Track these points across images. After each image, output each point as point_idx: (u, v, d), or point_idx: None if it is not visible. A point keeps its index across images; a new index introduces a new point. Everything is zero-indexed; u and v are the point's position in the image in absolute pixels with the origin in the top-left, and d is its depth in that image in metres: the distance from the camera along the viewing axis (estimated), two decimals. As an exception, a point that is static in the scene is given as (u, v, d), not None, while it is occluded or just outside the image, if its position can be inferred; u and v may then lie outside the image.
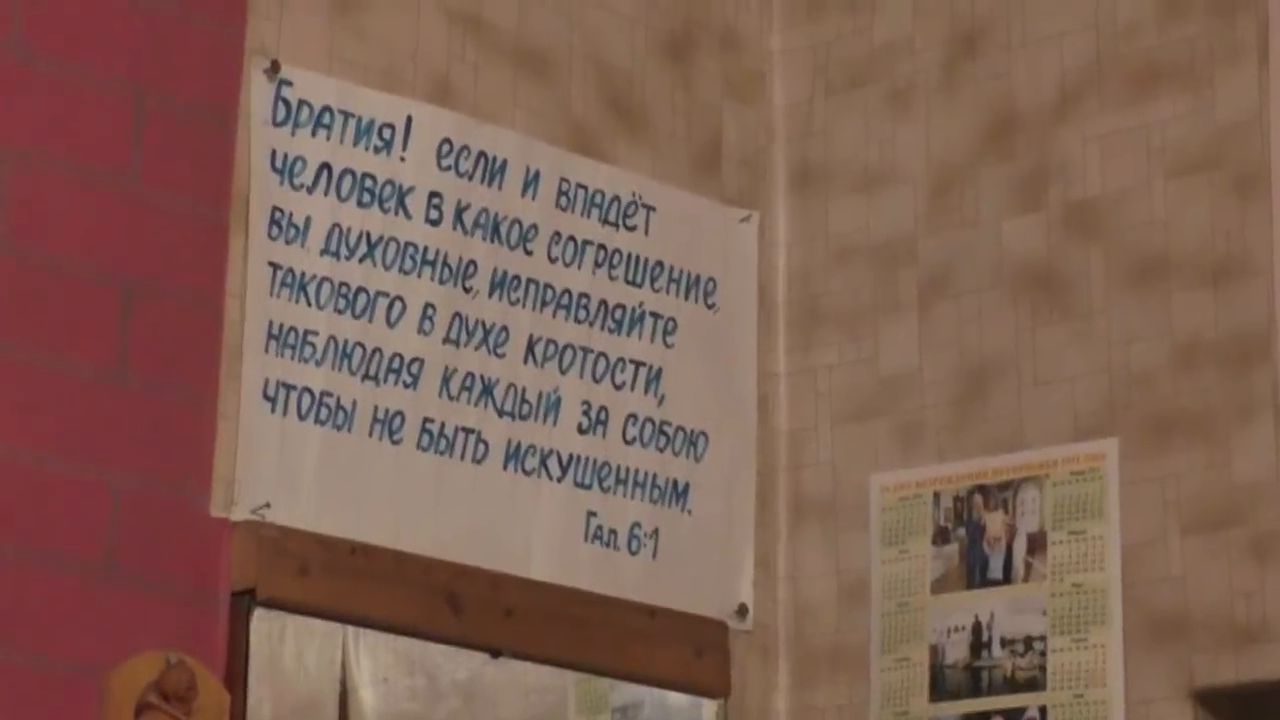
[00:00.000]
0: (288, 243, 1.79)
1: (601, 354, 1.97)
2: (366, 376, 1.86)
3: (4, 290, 2.00)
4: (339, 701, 2.09)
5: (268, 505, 1.92)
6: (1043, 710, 2.16)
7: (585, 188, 1.98)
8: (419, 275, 1.85)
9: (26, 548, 1.97)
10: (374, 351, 1.82)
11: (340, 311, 1.81)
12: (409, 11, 2.03)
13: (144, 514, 2.01)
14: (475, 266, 1.87)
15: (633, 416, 1.98)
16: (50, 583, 1.98)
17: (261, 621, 1.98)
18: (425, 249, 1.85)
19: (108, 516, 2.01)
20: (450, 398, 1.87)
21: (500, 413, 1.87)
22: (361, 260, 1.82)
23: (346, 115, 1.81)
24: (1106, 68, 2.13)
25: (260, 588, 1.92)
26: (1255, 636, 2.02)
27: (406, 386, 1.90)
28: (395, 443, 1.88)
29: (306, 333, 1.80)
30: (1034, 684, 2.14)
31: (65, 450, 2.00)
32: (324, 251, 1.80)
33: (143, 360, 1.89)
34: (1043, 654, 2.12)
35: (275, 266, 1.77)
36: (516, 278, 1.88)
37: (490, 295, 1.87)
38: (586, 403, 1.95)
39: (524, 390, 1.89)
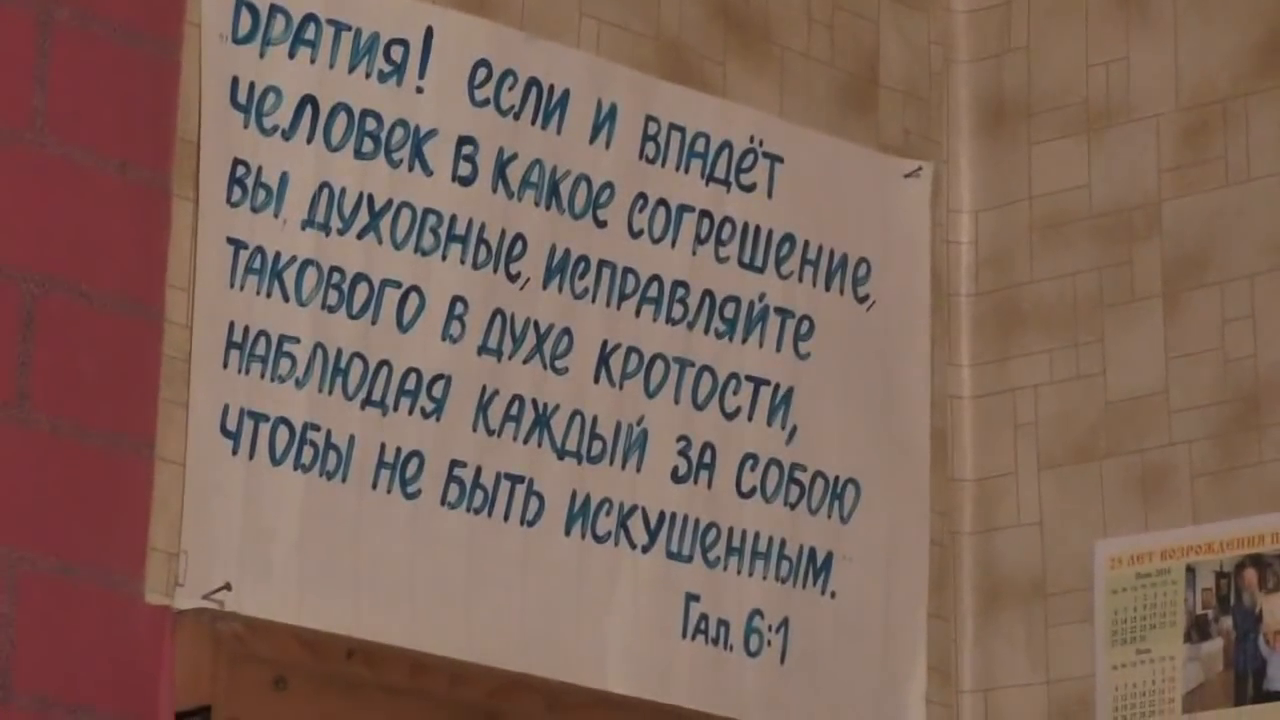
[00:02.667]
0: (255, 211, 1.15)
1: (706, 368, 1.29)
2: (369, 402, 1.22)
3: None
4: None
5: (227, 588, 1.28)
6: None
7: (683, 130, 1.29)
8: (444, 257, 1.20)
9: None
10: (379, 367, 1.19)
11: (331, 309, 1.17)
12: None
13: (50, 603, 1.40)
14: (524, 244, 1.21)
15: (752, 458, 1.30)
16: None
17: None
18: (453, 219, 1.21)
19: (34, 604, 1.39)
20: (490, 432, 1.22)
21: (561, 453, 1.22)
22: (361, 236, 1.18)
23: (339, 28, 1.18)
24: None
25: (218, 708, 1.31)
26: None
27: (426, 417, 1.23)
28: (410, 497, 1.23)
29: (283, 340, 1.16)
30: None
31: None
32: (307, 223, 1.16)
33: (50, 386, 1.27)
34: None
35: (238, 245, 1.14)
36: (584, 259, 1.22)
37: (546, 285, 1.22)
38: (685, 439, 1.27)
39: (595, 421, 1.24)
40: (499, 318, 1.23)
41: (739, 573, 1.33)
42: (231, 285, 1.15)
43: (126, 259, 1.33)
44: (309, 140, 1.19)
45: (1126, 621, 1.36)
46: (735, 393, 1.34)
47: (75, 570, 1.35)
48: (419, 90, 1.22)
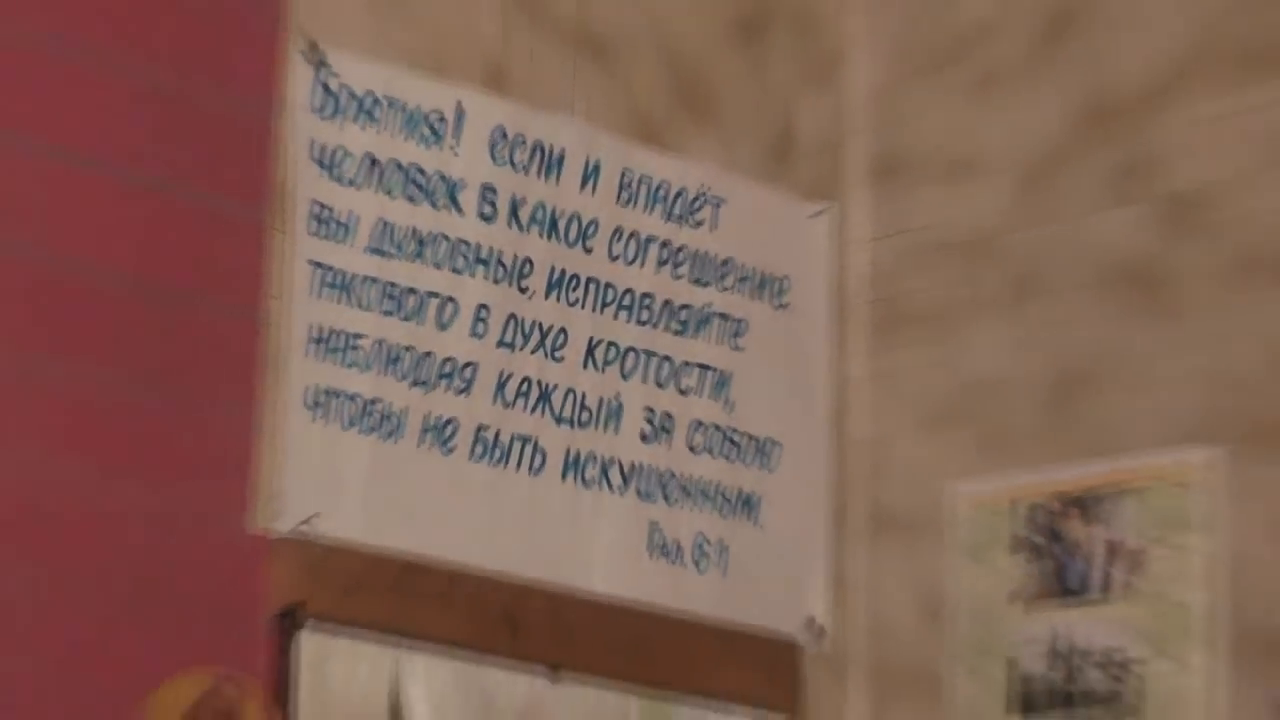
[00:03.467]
0: (331, 241, 1.46)
1: (666, 358, 1.65)
2: (416, 382, 1.55)
3: (29, 299, 1.67)
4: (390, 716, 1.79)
5: (313, 518, 1.61)
6: None
7: (649, 180, 1.64)
8: (472, 275, 1.53)
9: (60, 571, 1.69)
10: (425, 356, 1.50)
11: (388, 313, 1.49)
12: (460, -11, 1.64)
13: (182, 531, 1.71)
14: (531, 265, 1.55)
15: (699, 424, 1.66)
16: (86, 607, 1.70)
17: (307, 642, 1.68)
18: (478, 246, 1.52)
19: (144, 535, 1.67)
20: (506, 404, 1.55)
21: (558, 420, 1.56)
22: (411, 260, 1.49)
23: (392, 103, 1.48)
24: (1212, 47, 1.75)
25: (305, 606, 1.63)
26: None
27: (459, 393, 1.58)
28: (448, 452, 1.57)
29: (352, 336, 1.48)
30: (1121, 705, 1.79)
31: (98, 468, 1.70)
32: (370, 250, 1.47)
33: (177, 370, 1.58)
34: (1132, 674, 1.77)
35: (318, 266, 1.44)
36: (575, 277, 1.56)
37: (547, 296, 1.55)
38: (650, 409, 1.63)
39: (583, 396, 1.57)
40: (512, 320, 1.56)
41: (691, 509, 1.68)
42: (313, 295, 1.47)
43: (239, 276, 1.65)
44: (372, 188, 1.50)
45: (977, 545, 1.72)
46: (688, 376, 1.67)
47: (200, 505, 1.66)
48: (454, 151, 1.53)
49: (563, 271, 1.59)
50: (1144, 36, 1.80)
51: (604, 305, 1.65)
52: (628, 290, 1.65)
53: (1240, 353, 1.71)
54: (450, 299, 1.55)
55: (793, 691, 1.85)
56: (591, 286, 1.62)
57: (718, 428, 1.74)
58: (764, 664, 1.76)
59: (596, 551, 1.66)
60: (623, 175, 1.63)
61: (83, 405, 1.59)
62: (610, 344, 1.66)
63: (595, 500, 1.69)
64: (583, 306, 1.63)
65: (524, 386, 1.61)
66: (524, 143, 1.59)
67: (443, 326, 1.56)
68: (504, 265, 1.57)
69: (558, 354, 1.63)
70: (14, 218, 1.61)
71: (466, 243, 1.55)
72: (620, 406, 1.66)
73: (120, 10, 1.59)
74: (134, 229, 1.58)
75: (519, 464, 1.63)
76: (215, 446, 1.67)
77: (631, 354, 1.67)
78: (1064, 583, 1.83)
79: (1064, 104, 1.84)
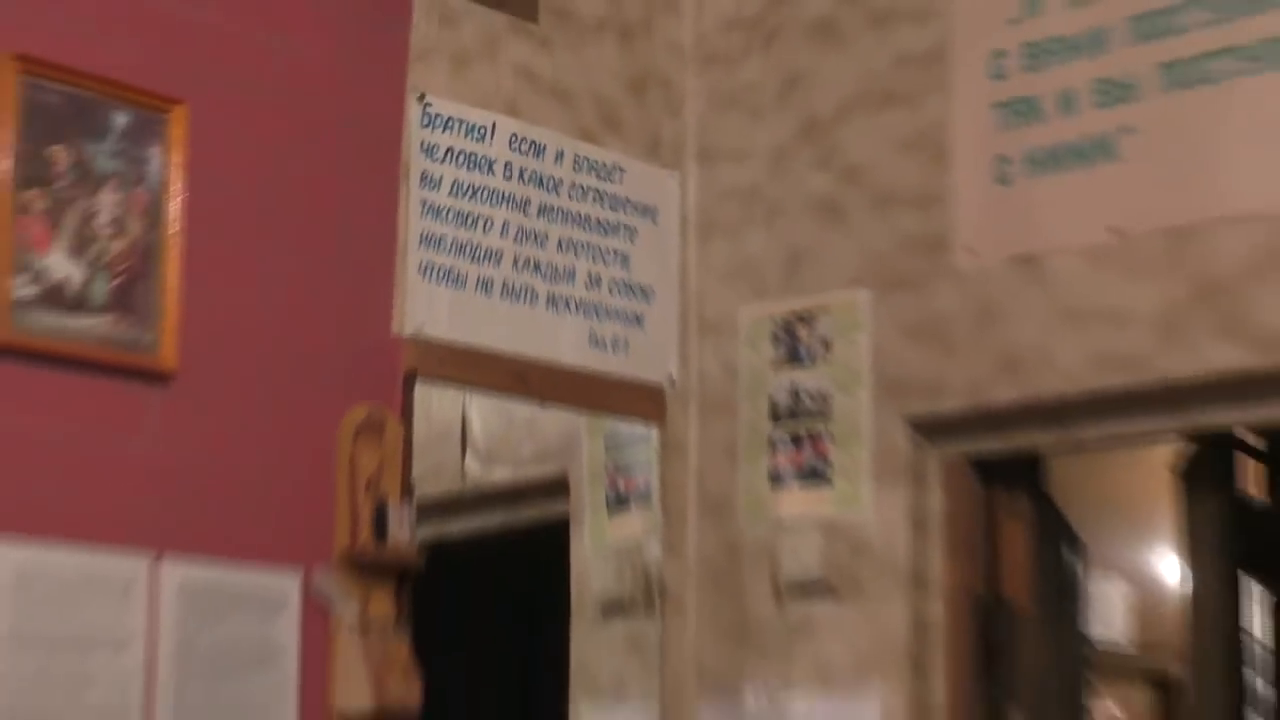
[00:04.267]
0: (429, 189, 2.68)
1: (598, 246, 2.92)
2: (473, 260, 2.76)
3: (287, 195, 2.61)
4: (461, 426, 3.13)
5: (422, 325, 2.72)
6: (829, 432, 3.04)
7: (591, 159, 2.86)
8: (499, 207, 2.73)
9: (295, 355, 2.64)
10: (475, 246, 2.73)
11: (458, 225, 2.71)
12: None
13: (360, 331, 2.73)
14: (530, 202, 2.75)
15: (614, 280, 2.96)
16: (307, 376, 2.67)
17: (419, 390, 2.77)
18: (503, 193, 2.73)
19: (341, 333, 2.72)
20: (518, 270, 2.79)
21: (545, 279, 2.82)
22: (470, 199, 2.70)
23: (460, 122, 2.67)
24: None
25: (417, 371, 2.74)
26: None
27: (494, 265, 2.80)
28: (489, 296, 2.80)
29: (438, 238, 2.69)
30: (823, 417, 3.04)
31: (324, 293, 2.68)
32: (448, 194, 2.69)
33: (362, 242, 2.69)
34: (829, 403, 3.02)
35: (424, 204, 2.66)
36: (554, 207, 2.80)
37: (539, 216, 2.77)
38: (589, 273, 2.91)
39: (557, 266, 2.84)
40: (520, 229, 2.74)
41: (610, 323, 2.92)
42: (420, 218, 2.59)
43: (387, 207, 2.67)
44: (450, 165, 2.65)
45: (752, 339, 2.98)
46: (608, 255, 2.92)
47: (372, 319, 2.62)
48: (489, 144, 2.70)
49: (548, 205, 2.81)
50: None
51: (568, 222, 2.87)
52: (579, 213, 2.87)
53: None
54: (489, 220, 2.73)
55: (661, 412, 3.15)
56: (560, 212, 2.84)
57: (625, 282, 3.01)
58: (648, 399, 3.06)
59: (563, 344, 2.91)
60: (575, 157, 2.84)
61: (313, 258, 2.60)
62: (570, 240, 2.89)
63: (562, 318, 2.92)
64: (556, 223, 2.84)
65: (528, 262, 2.83)
66: (524, 140, 2.79)
67: (485, 232, 2.74)
68: (518, 202, 2.78)
69: (544, 245, 2.86)
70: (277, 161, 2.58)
71: (498, 191, 2.75)
72: (574, 271, 2.91)
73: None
74: (339, 174, 2.65)
75: (527, 302, 2.84)
76: (377, 289, 2.73)
77: (582, 245, 2.90)
78: (796, 356, 3.03)
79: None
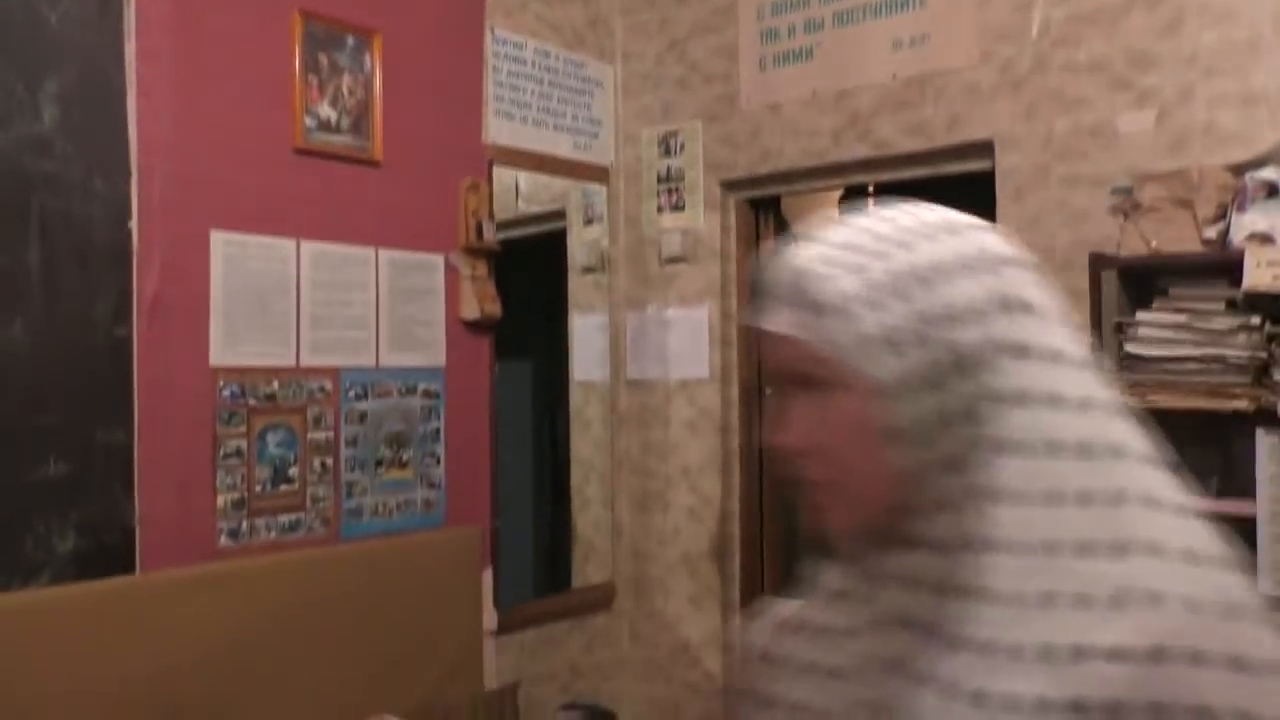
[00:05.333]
0: (506, 109, 4.67)
1: None
2: (519, 106, 4.70)
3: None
4: (515, 185, 4.49)
5: (496, 138, 4.52)
6: (683, 187, 4.63)
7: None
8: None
9: (438, 156, 3.79)
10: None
11: (522, 124, 4.70)
12: None
13: (469, 141, 4.03)
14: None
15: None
16: (444, 161, 3.80)
17: (495, 169, 3.96)
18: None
19: (460, 142, 3.93)
20: (546, 112, 4.91)
21: None
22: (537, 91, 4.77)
23: (526, 45, 4.65)
24: None
25: (494, 160, 3.99)
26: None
27: (528, 110, 4.72)
28: (525, 124, 4.69)
29: (501, 96, 4.55)
30: (681, 180, 4.53)
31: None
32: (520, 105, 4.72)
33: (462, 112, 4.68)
34: (683, 172, 4.64)
35: (496, 108, 4.52)
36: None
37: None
38: None
39: None
40: None
41: None
42: (494, 119, 4.83)
43: (472, 98, 4.54)
44: (521, 79, 4.61)
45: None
46: None
47: (470, 139, 4.28)
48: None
49: (552, 81, 4.50)
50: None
51: (561, 89, 4.45)
52: (566, 84, 4.49)
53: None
54: (524, 88, 4.33)
55: (607, 179, 4.49)
56: (558, 85, 4.50)
57: (588, 117, 4.55)
58: (601, 173, 4.43)
59: (560, 146, 4.40)
60: (564, 58, 4.43)
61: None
62: (562, 97, 4.39)
63: (560, 134, 4.33)
64: (556, 88, 4.54)
65: (543, 108, 4.50)
66: (539, 49, 4.29)
67: (522, 94, 4.34)
68: (538, 79, 4.43)
69: (551, 99, 4.38)
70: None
71: (529, 74, 4.44)
72: (564, 112, 4.43)
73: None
74: (457, 64, 3.95)
75: (544, 127, 4.46)
76: (474, 119, 3.98)
77: (567, 99, 4.52)
78: (669, 152, 4.40)
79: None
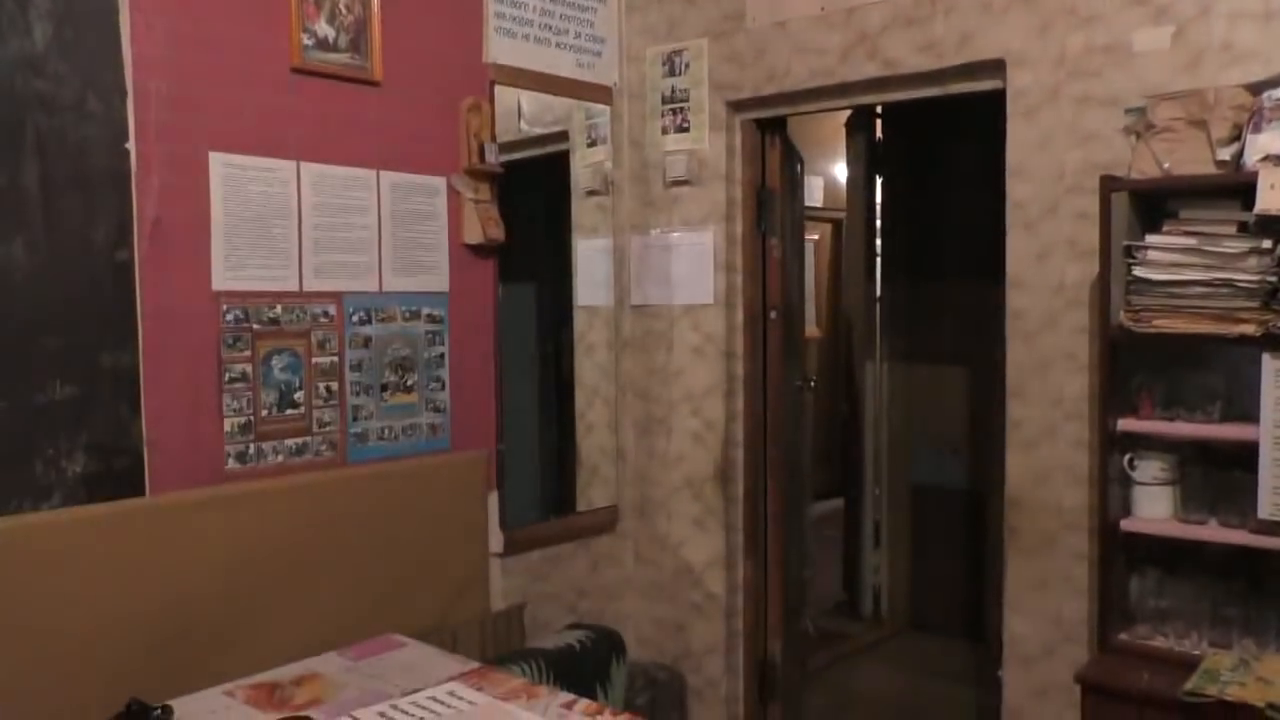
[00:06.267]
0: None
1: None
2: (521, 24, 4.50)
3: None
4: (517, 106, 4.28)
5: (497, 57, 3.86)
6: (688, 108, 4.40)
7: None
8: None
9: (439, 75, 3.68)
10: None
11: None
12: None
13: (471, 60, 3.88)
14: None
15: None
16: (446, 81, 3.71)
17: (497, 89, 3.85)
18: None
19: (462, 61, 3.78)
20: (549, 30, 4.74)
21: None
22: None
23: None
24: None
25: (495, 80, 3.85)
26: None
27: (531, 28, 4.53)
28: (527, 42, 4.50)
29: (503, 14, 4.49)
30: (686, 100, 4.32)
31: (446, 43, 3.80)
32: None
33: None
34: (688, 92, 4.49)
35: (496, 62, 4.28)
36: None
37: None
38: None
39: None
40: None
41: None
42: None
43: (473, 16, 4.38)
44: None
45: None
46: None
47: (471, 57, 4.11)
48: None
49: None
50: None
51: (567, 6, 4.25)
52: (571, 1, 4.51)
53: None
54: (528, 5, 4.30)
55: (610, 99, 4.33)
56: (564, 2, 4.60)
57: (591, 35, 4.20)
58: (604, 92, 4.26)
59: (563, 65, 4.25)
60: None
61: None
62: (565, 14, 4.16)
63: (563, 53, 4.09)
64: (559, 5, 4.35)
65: (546, 25, 4.19)
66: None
67: (525, 11, 4.14)
68: None
69: (554, 16, 4.11)
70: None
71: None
72: (568, 30, 4.06)
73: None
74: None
75: (546, 45, 4.13)
76: (475, 38, 3.82)
77: (571, 17, 4.20)
78: (673, 71, 4.21)
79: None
